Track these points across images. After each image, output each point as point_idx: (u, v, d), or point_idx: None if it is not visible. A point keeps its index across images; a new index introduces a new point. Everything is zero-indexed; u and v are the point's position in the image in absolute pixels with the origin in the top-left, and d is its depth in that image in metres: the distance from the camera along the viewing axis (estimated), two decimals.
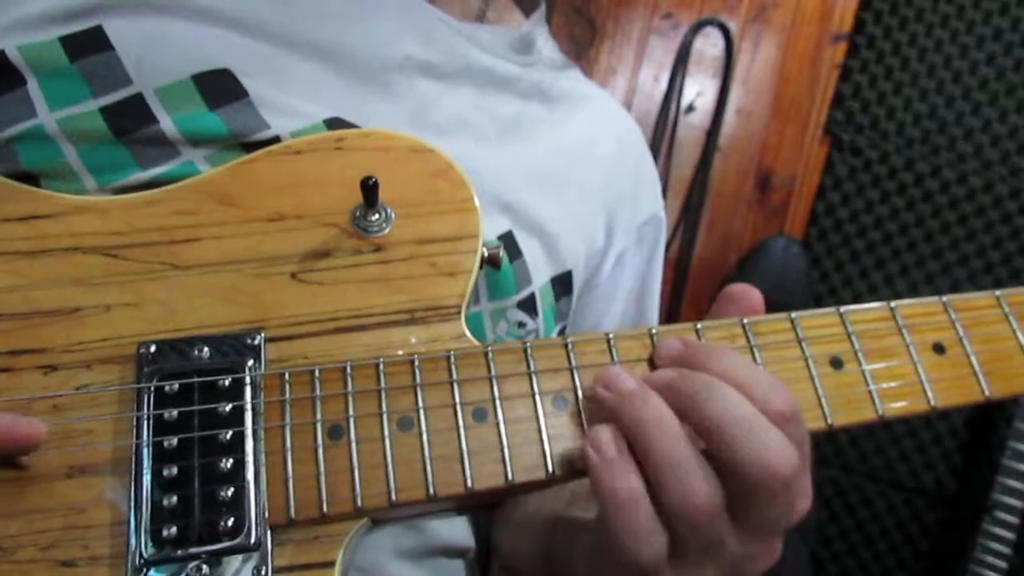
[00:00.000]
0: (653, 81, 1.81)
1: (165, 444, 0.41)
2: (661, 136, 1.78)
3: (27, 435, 0.40)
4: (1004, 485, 1.55)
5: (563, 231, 0.62)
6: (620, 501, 0.38)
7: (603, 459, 0.39)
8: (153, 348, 0.44)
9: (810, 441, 0.43)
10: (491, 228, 0.57)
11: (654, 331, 0.46)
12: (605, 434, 0.40)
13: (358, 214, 0.48)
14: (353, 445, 0.42)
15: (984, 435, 1.67)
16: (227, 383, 0.43)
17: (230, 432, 0.42)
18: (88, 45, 0.50)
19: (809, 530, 1.68)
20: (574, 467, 0.43)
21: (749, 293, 0.47)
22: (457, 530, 0.60)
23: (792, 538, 1.57)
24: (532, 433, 0.43)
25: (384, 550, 0.53)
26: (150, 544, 0.40)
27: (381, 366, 0.44)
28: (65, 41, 0.50)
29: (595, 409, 0.44)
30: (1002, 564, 1.53)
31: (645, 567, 0.39)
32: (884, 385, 0.47)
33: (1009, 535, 1.53)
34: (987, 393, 0.49)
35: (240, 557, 0.40)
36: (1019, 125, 1.71)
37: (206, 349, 0.44)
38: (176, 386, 0.43)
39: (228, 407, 0.42)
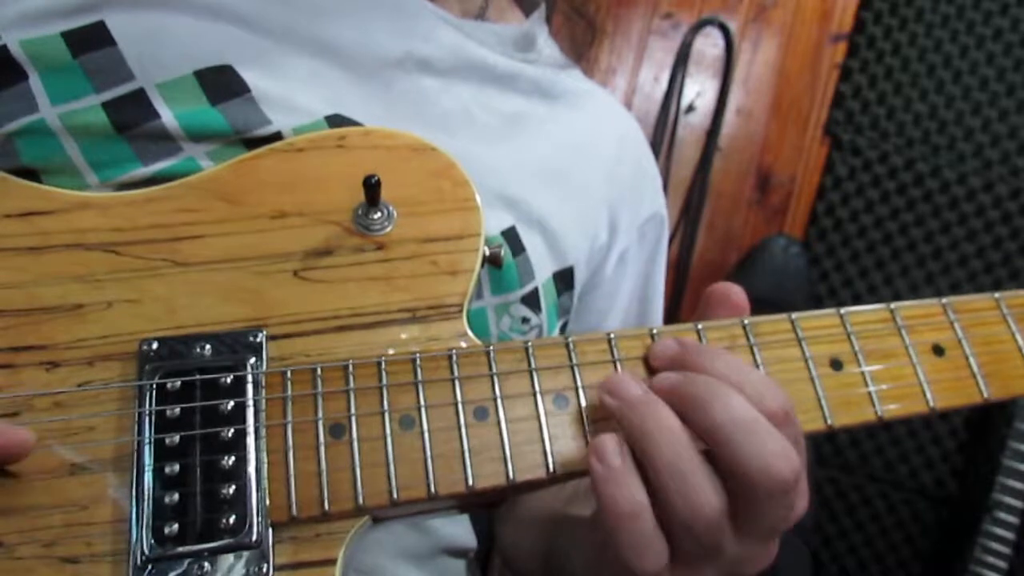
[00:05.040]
0: (653, 81, 1.81)
1: (167, 441, 0.41)
2: (661, 136, 1.78)
3: (17, 443, 0.40)
4: (1004, 485, 1.55)
5: (565, 226, 0.62)
6: (622, 511, 0.38)
7: (606, 468, 0.38)
8: (155, 345, 0.44)
9: (804, 440, 0.43)
10: (495, 222, 0.57)
11: (655, 331, 0.46)
12: (610, 443, 0.39)
13: (360, 212, 0.48)
14: (354, 443, 0.42)
15: (984, 435, 1.67)
16: (229, 381, 0.43)
17: (232, 430, 0.42)
18: (90, 40, 0.50)
19: (807, 530, 1.68)
20: (575, 466, 0.43)
21: (731, 292, 0.47)
22: (459, 530, 0.60)
23: (792, 538, 1.58)
24: (533, 432, 0.43)
25: (386, 551, 0.53)
26: (152, 541, 0.39)
27: (383, 364, 0.44)
28: (67, 36, 0.50)
29: (596, 408, 0.44)
30: (1002, 564, 1.53)
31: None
32: (883, 386, 0.47)
33: (1009, 535, 1.53)
34: (986, 395, 0.49)
35: (241, 554, 0.40)
36: (1019, 125, 1.71)
37: (207, 346, 0.44)
38: (178, 383, 0.43)
39: (230, 404, 0.42)
